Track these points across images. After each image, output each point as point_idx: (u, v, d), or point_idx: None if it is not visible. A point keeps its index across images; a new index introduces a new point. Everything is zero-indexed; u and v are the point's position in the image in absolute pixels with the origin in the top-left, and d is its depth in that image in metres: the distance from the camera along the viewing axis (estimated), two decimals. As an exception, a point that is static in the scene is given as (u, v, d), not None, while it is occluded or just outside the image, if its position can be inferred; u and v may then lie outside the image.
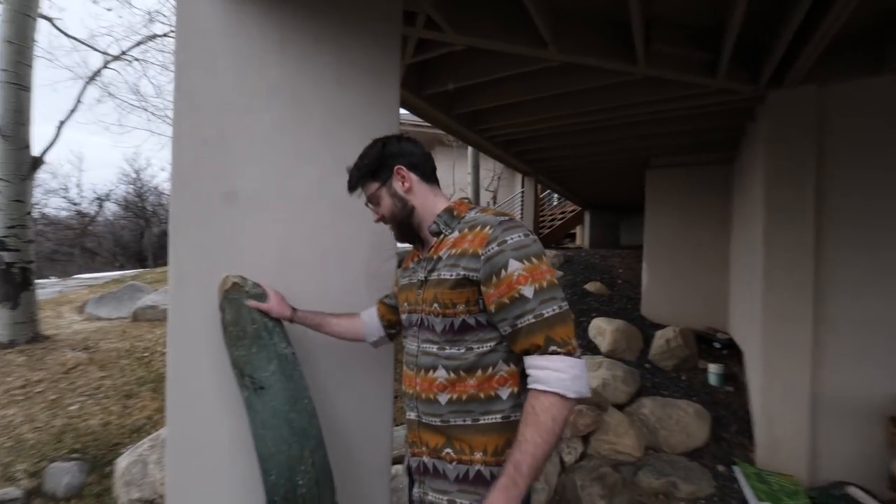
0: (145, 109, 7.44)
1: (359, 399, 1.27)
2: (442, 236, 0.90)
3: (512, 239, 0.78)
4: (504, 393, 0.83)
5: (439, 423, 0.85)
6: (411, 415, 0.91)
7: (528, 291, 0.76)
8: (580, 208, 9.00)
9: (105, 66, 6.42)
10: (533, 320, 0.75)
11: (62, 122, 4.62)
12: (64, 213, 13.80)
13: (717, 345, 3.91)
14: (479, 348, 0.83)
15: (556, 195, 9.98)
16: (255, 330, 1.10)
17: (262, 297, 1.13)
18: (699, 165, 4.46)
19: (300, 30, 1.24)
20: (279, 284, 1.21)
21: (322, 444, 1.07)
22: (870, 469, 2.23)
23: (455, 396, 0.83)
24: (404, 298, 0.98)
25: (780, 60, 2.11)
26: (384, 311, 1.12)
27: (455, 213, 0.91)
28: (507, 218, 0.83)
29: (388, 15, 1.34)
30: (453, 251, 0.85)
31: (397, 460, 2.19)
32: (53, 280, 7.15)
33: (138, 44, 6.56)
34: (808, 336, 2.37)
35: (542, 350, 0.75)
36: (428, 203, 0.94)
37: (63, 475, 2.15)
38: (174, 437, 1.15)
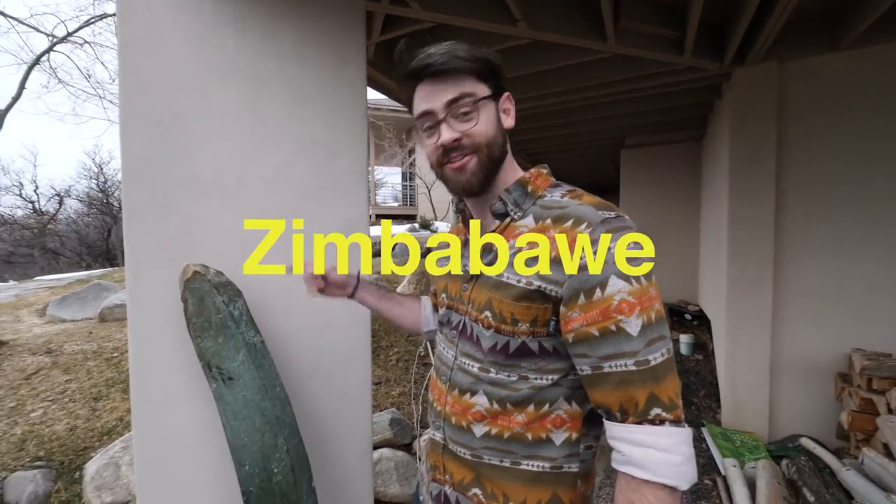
0: (101, 97, 6.93)
1: (335, 385, 1.26)
2: (508, 220, 0.65)
3: (618, 246, 0.55)
4: (559, 438, 0.62)
5: (469, 457, 0.66)
6: (437, 435, 0.72)
7: (631, 326, 0.53)
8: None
9: (51, 49, 5.93)
10: (633, 368, 0.53)
11: (4, 111, 4.27)
12: (20, 213, 12.94)
13: (688, 316, 4.09)
14: (536, 380, 0.62)
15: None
16: (221, 319, 1.06)
17: (226, 284, 1.09)
18: (671, 144, 4.57)
19: (258, 5, 1.17)
20: (243, 273, 1.17)
21: (297, 432, 1.05)
22: (821, 421, 2.42)
23: (494, 431, 0.64)
24: (443, 287, 0.77)
25: (742, 39, 2.17)
26: (435, 300, 0.92)
27: (530, 188, 0.66)
28: (612, 214, 0.58)
29: (350, -11, 1.28)
30: (526, 248, 0.61)
31: (378, 445, 2.21)
32: (11, 283, 6.73)
33: (87, 23, 6.08)
34: (769, 303, 2.51)
35: (639, 413, 0.53)
36: (510, 162, 0.68)
37: (26, 484, 2.04)
38: (141, 436, 1.12)
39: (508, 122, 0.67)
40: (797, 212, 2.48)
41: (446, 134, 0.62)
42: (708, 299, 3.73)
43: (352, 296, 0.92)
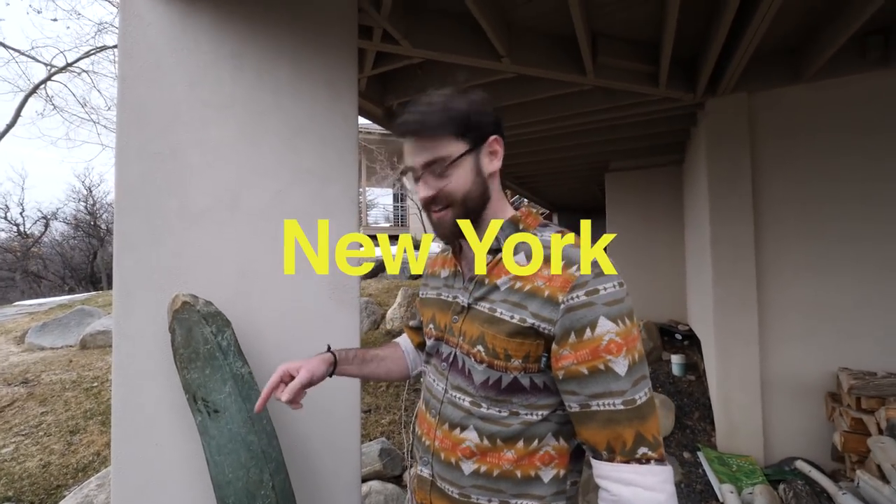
0: (96, 122, 7.01)
1: (324, 415, 1.23)
2: (499, 255, 0.67)
3: (606, 289, 0.58)
4: (547, 475, 0.64)
5: (457, 496, 0.66)
6: (424, 471, 0.72)
7: (619, 366, 0.56)
8: (548, 211, 9.28)
9: (49, 78, 6.03)
10: (621, 407, 0.56)
11: (-3, 138, 4.27)
12: (3, 235, 12.73)
13: (678, 336, 4.11)
14: (527, 415, 0.63)
15: (525, 199, 10.24)
16: (209, 350, 1.05)
17: (215, 315, 1.09)
18: (654, 168, 4.72)
19: (254, 43, 1.23)
20: (238, 299, 1.17)
21: (283, 467, 1.03)
22: (816, 442, 2.41)
23: (484, 469, 0.64)
24: (430, 317, 0.77)
25: (711, 72, 2.32)
26: (412, 335, 0.93)
27: (521, 227, 0.69)
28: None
29: (344, 29, 1.34)
30: (518, 284, 0.63)
31: (367, 478, 2.14)
32: (-13, 309, 6.50)
33: (87, 54, 6.23)
34: (755, 323, 2.54)
35: (627, 453, 0.56)
36: (498, 200, 0.70)
37: (-8, 528, 1.93)
38: (120, 471, 1.07)
39: (494, 164, 0.68)
40: (776, 231, 2.56)
41: (423, 191, 0.66)
42: (697, 319, 3.77)
43: (332, 374, 0.81)
